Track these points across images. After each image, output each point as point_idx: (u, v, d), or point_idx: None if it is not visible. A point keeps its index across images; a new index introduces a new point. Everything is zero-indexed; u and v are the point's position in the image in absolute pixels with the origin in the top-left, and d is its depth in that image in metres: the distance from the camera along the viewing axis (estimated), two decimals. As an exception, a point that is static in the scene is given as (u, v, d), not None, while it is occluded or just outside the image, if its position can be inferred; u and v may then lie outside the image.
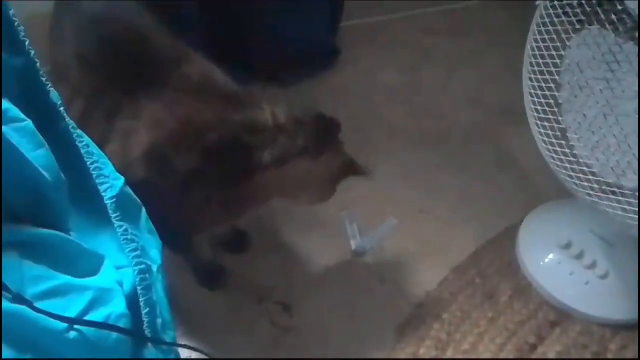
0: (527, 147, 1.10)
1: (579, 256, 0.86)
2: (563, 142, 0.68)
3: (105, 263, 0.44)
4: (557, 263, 0.88)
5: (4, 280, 0.34)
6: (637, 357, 0.80)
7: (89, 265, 0.41)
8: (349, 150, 1.09)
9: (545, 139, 0.70)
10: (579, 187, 0.70)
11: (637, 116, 0.60)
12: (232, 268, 0.93)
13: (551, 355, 0.81)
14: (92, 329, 0.36)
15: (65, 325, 0.34)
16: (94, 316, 0.37)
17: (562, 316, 0.85)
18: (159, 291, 0.51)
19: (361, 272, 0.94)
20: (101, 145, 0.57)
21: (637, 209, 0.63)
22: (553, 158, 0.71)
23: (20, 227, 0.39)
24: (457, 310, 0.87)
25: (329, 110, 1.18)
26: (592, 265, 0.85)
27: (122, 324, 0.38)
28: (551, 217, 0.95)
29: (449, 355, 0.82)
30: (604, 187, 0.67)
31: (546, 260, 0.89)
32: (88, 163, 0.51)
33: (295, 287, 0.91)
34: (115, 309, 0.38)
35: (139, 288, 0.48)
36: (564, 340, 0.83)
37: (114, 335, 0.37)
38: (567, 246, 0.88)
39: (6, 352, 0.31)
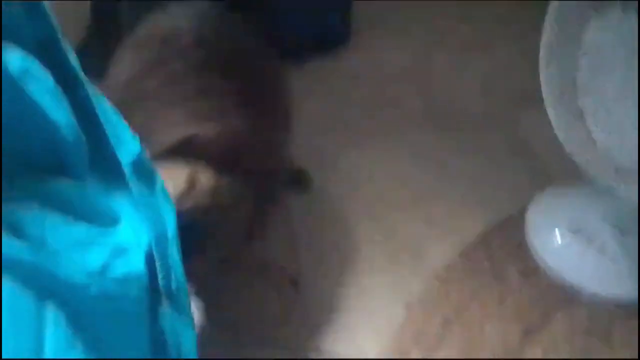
0: (540, 131, 1.10)
1: (589, 239, 0.87)
2: (580, 124, 0.68)
3: (123, 222, 0.44)
4: (566, 245, 0.89)
5: (24, 230, 0.35)
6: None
7: (108, 222, 0.42)
8: (359, 132, 1.12)
9: (562, 122, 0.70)
10: (595, 170, 0.70)
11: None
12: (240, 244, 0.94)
13: (559, 337, 0.82)
14: (113, 284, 0.36)
15: (86, 279, 0.34)
16: (114, 270, 0.38)
17: (570, 298, 0.86)
18: (174, 256, 0.52)
19: (370, 251, 0.95)
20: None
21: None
22: (569, 141, 0.71)
23: (40, 179, 0.40)
24: (465, 290, 0.88)
25: (340, 92, 1.20)
26: (602, 248, 0.85)
27: (141, 280, 0.39)
28: (561, 200, 0.95)
29: (454, 333, 0.83)
30: (620, 171, 0.66)
31: (555, 243, 0.90)
32: (105, 126, 0.51)
33: (303, 263, 0.92)
34: (135, 265, 0.39)
35: (154, 252, 0.49)
36: (572, 321, 0.83)
37: (134, 291, 0.37)
38: (577, 229, 0.88)
39: (25, 297, 0.31)
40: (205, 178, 0.73)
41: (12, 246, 0.32)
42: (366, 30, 1.33)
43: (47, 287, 0.32)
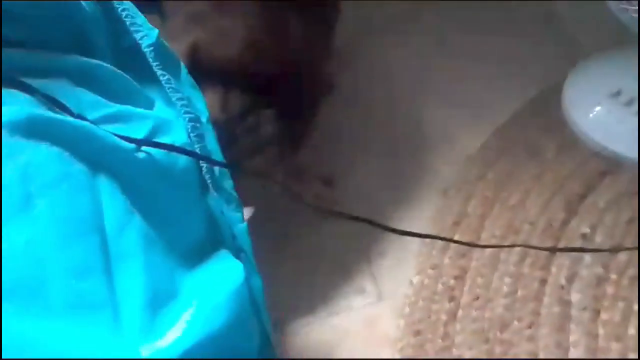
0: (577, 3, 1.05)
1: (629, 103, 0.83)
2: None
3: (157, 104, 0.42)
4: (605, 112, 0.85)
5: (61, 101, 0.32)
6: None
7: (142, 101, 0.40)
8: (374, 21, 1.05)
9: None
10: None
11: None
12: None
13: (601, 204, 0.80)
14: (160, 152, 0.35)
15: (134, 145, 0.33)
16: (159, 139, 0.36)
17: (611, 165, 0.83)
18: (212, 141, 0.50)
19: (400, 142, 0.93)
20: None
21: None
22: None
23: (67, 56, 0.37)
24: (501, 168, 0.86)
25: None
26: (644, 111, 0.82)
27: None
28: (598, 68, 0.90)
29: (495, 212, 0.82)
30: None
31: (594, 111, 0.86)
32: (119, 10, 0.48)
33: (336, 161, 0.91)
34: (178, 137, 0.37)
35: (192, 135, 0.47)
36: (614, 188, 0.81)
37: (182, 160, 0.36)
38: (616, 94, 0.84)
39: (77, 167, 0.30)
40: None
41: (55, 117, 0.30)
42: None
43: (96, 156, 0.31)
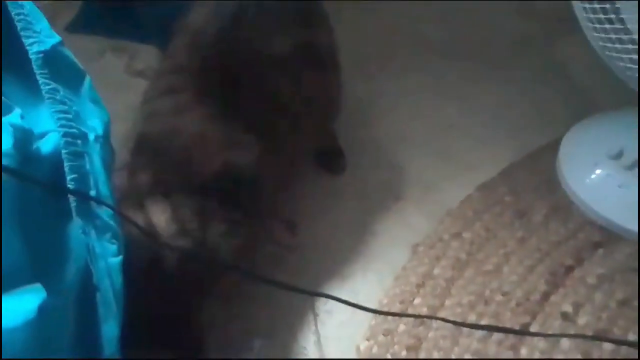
0: (577, 58, 0.98)
1: (632, 166, 0.72)
2: (613, 17, 0.54)
3: (13, 112, 0.37)
4: (604, 176, 0.75)
5: None
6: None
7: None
8: (377, 63, 1.01)
9: (592, 15, 0.56)
10: (624, 61, 0.56)
11: None
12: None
13: (590, 279, 0.69)
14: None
15: None
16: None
17: (607, 236, 0.72)
18: (96, 162, 0.45)
19: (376, 189, 0.85)
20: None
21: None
22: (596, 29, 0.57)
23: None
24: (481, 228, 0.76)
25: (359, 24, 1.09)
26: (647, 176, 0.71)
27: (5, 161, 0.32)
28: (600, 127, 0.81)
29: (467, 275, 0.72)
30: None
31: (592, 174, 0.76)
32: (13, 14, 0.44)
33: (302, 205, 0.84)
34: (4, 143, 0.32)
35: (63, 152, 0.42)
36: (608, 263, 0.70)
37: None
38: (618, 155, 0.74)
39: None
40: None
41: None
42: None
43: None
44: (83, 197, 0.39)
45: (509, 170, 0.83)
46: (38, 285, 0.31)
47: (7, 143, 0.32)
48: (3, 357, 0.26)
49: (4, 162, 0.31)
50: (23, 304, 0.29)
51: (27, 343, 0.27)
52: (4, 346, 0.26)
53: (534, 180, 0.81)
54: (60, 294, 0.32)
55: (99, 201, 0.41)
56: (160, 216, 0.59)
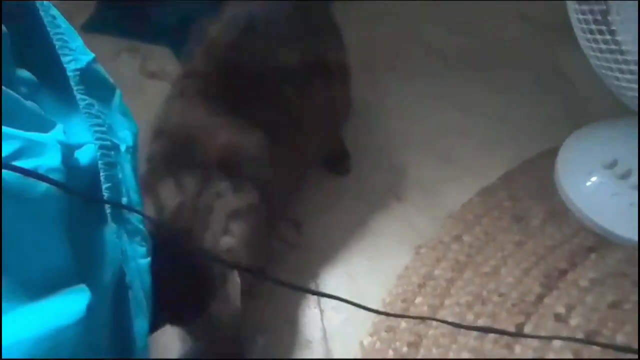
0: (577, 66, 1.00)
1: (625, 175, 0.76)
2: (603, 28, 0.58)
3: (56, 128, 0.41)
4: (599, 184, 0.78)
5: None
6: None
7: (31, 121, 0.39)
8: (381, 69, 1.04)
9: (584, 25, 0.60)
10: (619, 80, 0.59)
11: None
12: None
13: (583, 282, 0.73)
14: (14, 175, 0.33)
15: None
16: (19, 164, 0.34)
17: (600, 241, 0.76)
18: (127, 171, 0.49)
19: (379, 191, 0.89)
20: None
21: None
22: (592, 49, 0.61)
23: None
24: (480, 232, 0.80)
25: (363, 29, 1.12)
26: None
27: (53, 177, 0.36)
28: (597, 136, 0.84)
29: (466, 277, 0.76)
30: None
31: (587, 181, 0.79)
32: (51, 33, 0.48)
33: (308, 205, 0.87)
34: (47, 161, 0.35)
35: (99, 162, 0.45)
36: (600, 267, 0.74)
37: (43, 186, 0.34)
38: (612, 165, 0.77)
39: None
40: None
41: None
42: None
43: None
44: (117, 205, 0.43)
45: (509, 176, 0.86)
46: (83, 286, 0.35)
47: (57, 159, 0.36)
48: (60, 356, 0.30)
49: (54, 177, 0.35)
50: (73, 303, 0.33)
51: (80, 339, 0.31)
52: (63, 342, 0.30)
53: (532, 186, 0.84)
54: (101, 293, 0.36)
55: (131, 209, 0.45)
56: (165, 191, 0.64)
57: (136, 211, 0.46)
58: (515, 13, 1.14)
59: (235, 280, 0.59)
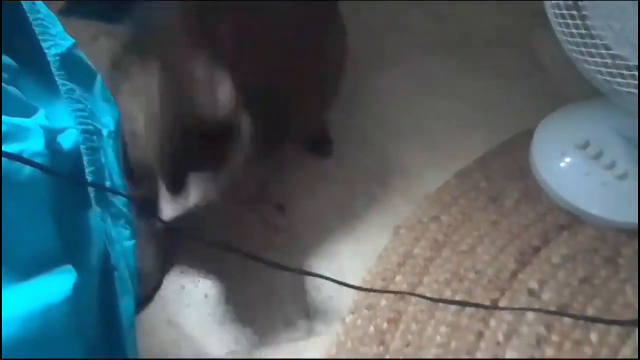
0: (552, 52, 1.03)
1: (597, 156, 0.79)
2: (575, 13, 0.60)
3: (38, 113, 0.41)
4: (572, 164, 0.81)
5: None
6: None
7: (15, 107, 0.39)
8: (361, 57, 1.05)
9: (557, 9, 0.62)
10: (589, 63, 0.62)
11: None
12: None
13: (555, 259, 0.76)
14: (2, 160, 0.34)
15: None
16: (4, 149, 0.35)
17: (572, 220, 0.79)
18: (110, 156, 0.49)
19: (361, 175, 0.90)
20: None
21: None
22: (564, 33, 0.63)
23: None
24: (457, 212, 0.82)
25: (345, 19, 1.13)
26: (611, 165, 0.77)
27: (37, 161, 0.36)
28: (570, 118, 0.87)
29: (443, 255, 0.78)
30: (618, 63, 0.58)
31: (560, 162, 0.82)
32: (31, 19, 0.48)
33: (291, 189, 0.89)
34: (31, 146, 0.36)
35: (82, 147, 0.46)
36: (571, 244, 0.77)
37: (27, 170, 0.35)
38: (585, 145, 0.80)
39: None
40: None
41: None
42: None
43: None
44: (100, 187, 0.44)
45: (485, 158, 0.89)
46: (69, 267, 0.36)
47: (40, 144, 0.36)
48: (51, 333, 0.31)
49: (38, 161, 0.36)
50: (60, 283, 0.34)
51: (69, 317, 0.32)
52: (52, 319, 0.31)
53: (508, 168, 0.87)
54: (87, 274, 0.37)
55: (114, 191, 0.46)
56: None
57: (120, 194, 0.47)
58: (492, 4, 1.16)
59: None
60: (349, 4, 1.14)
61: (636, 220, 0.75)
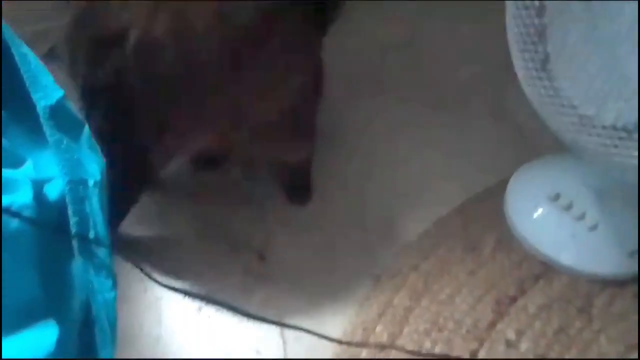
0: (523, 104, 1.08)
1: (568, 207, 0.82)
2: (543, 75, 0.64)
3: (26, 164, 0.42)
4: (544, 215, 0.84)
5: None
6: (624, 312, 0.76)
7: (9, 163, 0.40)
8: (337, 106, 1.09)
9: (526, 71, 0.66)
10: (560, 122, 0.65)
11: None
12: (209, 216, 0.92)
13: (531, 309, 0.77)
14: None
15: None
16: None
17: (546, 269, 0.81)
18: (94, 205, 0.50)
19: (341, 220, 0.92)
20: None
21: (616, 143, 0.58)
22: (534, 92, 0.67)
23: None
24: (436, 261, 0.84)
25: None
26: (581, 217, 0.80)
27: (25, 214, 0.37)
28: (543, 170, 0.90)
29: (423, 305, 0.79)
30: (584, 121, 0.62)
31: (533, 212, 0.85)
32: (22, 70, 0.49)
33: (272, 235, 0.89)
34: (19, 198, 0.36)
35: (67, 197, 0.46)
36: (547, 293, 0.79)
37: (14, 224, 0.35)
38: (556, 197, 0.83)
39: None
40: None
41: None
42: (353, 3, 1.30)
43: None
44: (85, 239, 0.44)
45: (462, 207, 0.91)
46: (52, 321, 0.35)
47: (28, 196, 0.37)
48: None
49: (26, 213, 0.36)
50: (43, 338, 0.33)
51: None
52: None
53: (484, 217, 0.89)
54: (69, 325, 0.37)
55: (98, 243, 0.46)
56: None
57: (104, 245, 0.47)
58: (467, 54, 1.22)
59: None
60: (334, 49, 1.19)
61: (606, 272, 0.78)
